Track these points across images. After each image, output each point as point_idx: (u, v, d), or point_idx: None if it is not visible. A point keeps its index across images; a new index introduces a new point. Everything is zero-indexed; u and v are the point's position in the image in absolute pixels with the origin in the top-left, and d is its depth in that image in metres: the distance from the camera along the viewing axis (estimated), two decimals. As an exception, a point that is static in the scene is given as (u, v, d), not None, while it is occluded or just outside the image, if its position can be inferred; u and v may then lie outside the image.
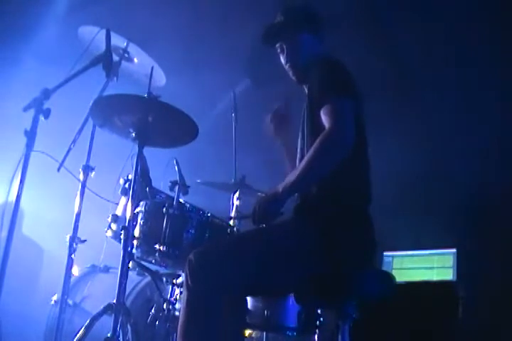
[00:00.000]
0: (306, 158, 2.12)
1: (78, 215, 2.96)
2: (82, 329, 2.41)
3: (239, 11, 4.34)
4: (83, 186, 3.00)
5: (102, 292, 3.21)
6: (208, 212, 2.72)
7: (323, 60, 2.38)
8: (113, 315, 2.33)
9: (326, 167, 2.12)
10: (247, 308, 2.33)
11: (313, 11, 2.59)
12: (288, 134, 2.66)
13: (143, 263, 2.77)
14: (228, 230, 2.80)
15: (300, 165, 2.13)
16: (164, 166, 2.90)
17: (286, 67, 2.52)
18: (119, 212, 2.94)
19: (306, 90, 2.45)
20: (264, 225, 2.21)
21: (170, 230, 2.59)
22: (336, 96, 2.17)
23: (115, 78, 3.05)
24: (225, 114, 3.69)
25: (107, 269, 3.43)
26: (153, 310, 2.79)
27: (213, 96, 4.48)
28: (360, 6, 4.35)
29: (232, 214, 3.37)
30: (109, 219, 2.89)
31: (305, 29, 2.50)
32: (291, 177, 2.13)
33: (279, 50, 2.53)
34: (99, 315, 2.43)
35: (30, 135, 2.29)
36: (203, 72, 4.41)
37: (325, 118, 2.15)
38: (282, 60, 2.53)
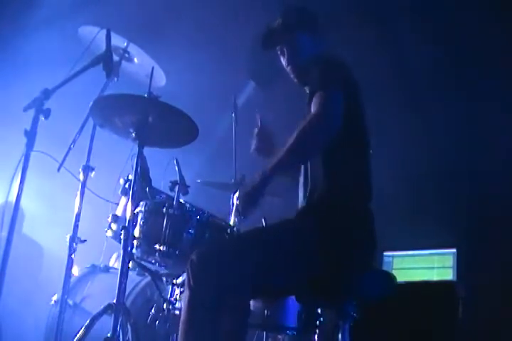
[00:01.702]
0: (289, 141, 2.11)
1: (78, 215, 2.96)
2: (82, 329, 2.41)
3: (240, 11, 4.34)
4: (83, 186, 3.00)
5: (102, 292, 3.21)
6: (207, 212, 2.72)
7: (323, 59, 2.38)
8: (113, 315, 2.33)
9: (308, 149, 2.13)
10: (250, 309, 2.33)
11: (312, 12, 2.58)
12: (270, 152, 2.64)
13: (143, 263, 2.77)
14: (228, 230, 2.80)
15: (283, 148, 2.11)
16: (164, 166, 2.90)
17: (288, 69, 2.52)
18: (119, 212, 2.94)
19: (308, 91, 2.46)
20: (248, 210, 2.17)
21: (170, 230, 2.59)
22: (325, 88, 2.18)
23: (115, 78, 3.06)
24: (225, 114, 3.69)
25: (107, 269, 3.43)
26: (153, 310, 2.79)
27: (213, 96, 4.48)
28: (362, 6, 4.35)
29: (232, 213, 3.37)
30: (109, 219, 2.89)
31: (304, 30, 2.50)
32: (275, 158, 2.12)
33: (279, 53, 2.53)
34: (99, 315, 2.43)
35: (30, 135, 2.29)
36: (203, 71, 4.41)
37: (313, 106, 2.15)
38: (283, 62, 2.53)
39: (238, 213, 2.19)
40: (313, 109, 2.15)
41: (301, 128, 2.09)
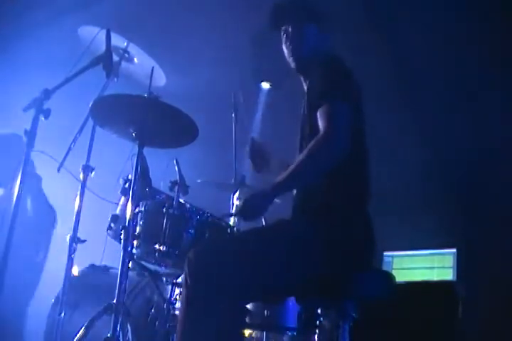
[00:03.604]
0: (298, 160, 2.13)
1: (78, 215, 2.96)
2: (82, 329, 2.41)
3: (242, 10, 4.34)
4: (83, 186, 3.00)
5: (102, 292, 3.21)
6: (208, 212, 2.72)
7: (326, 58, 2.37)
8: (113, 315, 2.33)
9: (317, 171, 2.15)
10: (248, 308, 2.33)
11: (322, 9, 2.58)
12: (269, 167, 2.64)
13: (143, 263, 2.77)
14: (228, 230, 2.80)
15: (292, 166, 2.13)
16: (164, 166, 2.90)
17: (287, 52, 2.50)
18: (119, 212, 2.94)
19: (306, 87, 2.46)
20: (251, 221, 2.20)
21: (170, 230, 2.59)
22: (333, 99, 2.17)
23: (115, 78, 3.06)
24: (225, 114, 3.69)
25: (107, 269, 3.43)
26: (153, 310, 2.79)
27: (213, 96, 4.48)
28: (363, 7, 4.36)
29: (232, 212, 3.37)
30: (109, 219, 2.89)
31: (312, 22, 2.49)
32: (282, 176, 2.13)
33: (282, 33, 2.51)
34: (99, 315, 2.43)
35: (30, 135, 2.29)
36: (203, 71, 4.41)
37: (320, 121, 2.15)
38: (284, 44, 2.51)
39: (241, 218, 2.20)
40: (320, 126, 2.14)
41: (310, 151, 2.10)
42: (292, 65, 2.50)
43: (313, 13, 2.52)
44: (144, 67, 3.26)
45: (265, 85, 3.93)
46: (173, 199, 2.65)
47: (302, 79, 2.51)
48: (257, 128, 4.64)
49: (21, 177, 2.26)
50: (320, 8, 2.57)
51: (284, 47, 2.52)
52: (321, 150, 2.10)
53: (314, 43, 2.47)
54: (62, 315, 2.81)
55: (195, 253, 2.07)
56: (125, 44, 3.24)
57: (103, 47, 2.55)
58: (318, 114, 2.17)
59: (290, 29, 2.48)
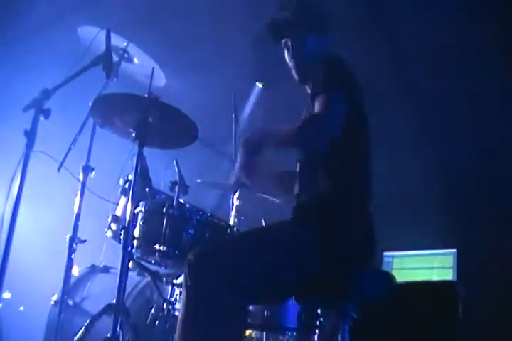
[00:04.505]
0: (290, 128, 2.12)
1: (78, 215, 2.96)
2: (82, 329, 2.42)
3: (242, 10, 4.34)
4: (83, 186, 3.00)
5: (102, 292, 3.21)
6: (207, 212, 2.73)
7: (325, 60, 2.37)
8: (113, 315, 2.33)
9: (302, 143, 2.16)
10: (249, 309, 2.33)
11: (323, 10, 2.57)
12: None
13: (143, 263, 2.77)
14: (228, 230, 2.80)
15: (283, 131, 2.13)
16: (164, 166, 2.90)
17: (290, 64, 2.51)
18: (119, 212, 2.94)
19: (309, 91, 2.46)
20: (251, 175, 2.19)
21: (170, 230, 2.59)
22: (328, 90, 2.17)
23: (115, 78, 3.06)
24: (225, 114, 3.69)
25: (106, 269, 3.44)
26: (153, 310, 2.79)
27: (213, 96, 4.48)
28: (363, 5, 4.35)
29: (232, 213, 3.37)
30: (109, 219, 2.89)
31: (312, 28, 2.48)
32: (272, 132, 2.15)
33: (283, 46, 2.52)
34: (99, 315, 2.43)
35: (30, 135, 2.28)
36: (203, 72, 4.41)
37: (315, 106, 2.15)
38: (286, 56, 2.52)
39: (239, 183, 2.19)
40: (315, 109, 2.14)
41: (302, 123, 2.09)
42: (296, 77, 2.51)
43: (311, 20, 2.49)
44: (143, 67, 3.26)
45: (260, 85, 3.93)
46: (173, 200, 2.65)
47: (306, 87, 2.50)
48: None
49: (21, 178, 2.25)
50: (318, 10, 2.56)
51: (286, 59, 2.52)
52: (312, 124, 2.09)
53: (315, 50, 2.46)
54: (62, 315, 2.81)
55: (195, 254, 2.07)
56: (125, 44, 3.24)
57: (103, 48, 2.54)
58: (315, 102, 2.17)
59: (290, 43, 2.48)
